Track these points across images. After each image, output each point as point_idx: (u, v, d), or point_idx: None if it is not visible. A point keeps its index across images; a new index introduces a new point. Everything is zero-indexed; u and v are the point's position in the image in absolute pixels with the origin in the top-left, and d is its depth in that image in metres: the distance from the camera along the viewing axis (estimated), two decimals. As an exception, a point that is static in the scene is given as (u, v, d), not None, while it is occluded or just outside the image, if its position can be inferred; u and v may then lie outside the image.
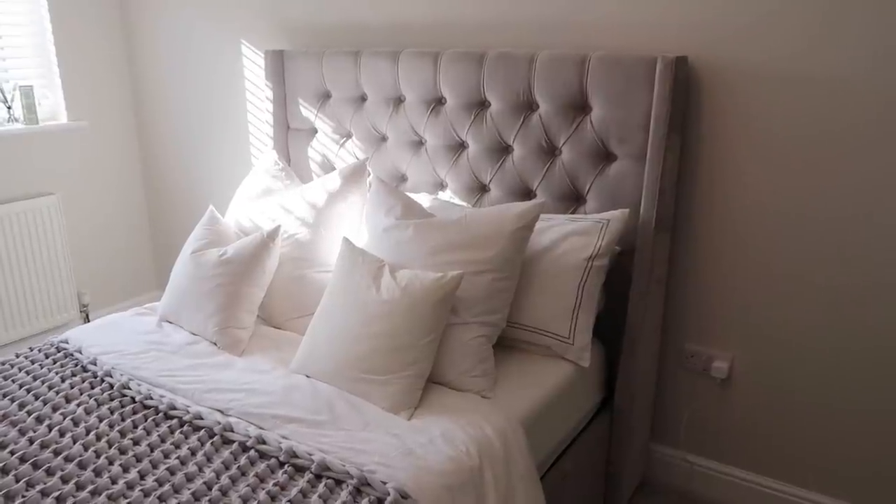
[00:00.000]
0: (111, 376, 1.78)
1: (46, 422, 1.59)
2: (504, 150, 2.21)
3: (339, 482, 1.38)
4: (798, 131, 1.88)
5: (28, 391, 1.72)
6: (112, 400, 1.69)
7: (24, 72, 2.98)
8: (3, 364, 1.87)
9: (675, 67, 1.84)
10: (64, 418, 1.60)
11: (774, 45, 1.86)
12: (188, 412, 1.61)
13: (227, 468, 1.42)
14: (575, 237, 1.92)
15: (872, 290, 1.88)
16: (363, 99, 2.47)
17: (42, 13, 2.98)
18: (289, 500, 1.31)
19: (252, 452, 1.47)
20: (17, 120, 2.95)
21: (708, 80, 1.97)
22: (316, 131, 2.64)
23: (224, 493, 1.34)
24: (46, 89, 3.07)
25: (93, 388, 1.75)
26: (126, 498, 1.33)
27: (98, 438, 1.53)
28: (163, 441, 1.53)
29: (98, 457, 1.46)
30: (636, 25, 2.03)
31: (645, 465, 2.36)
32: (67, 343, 1.98)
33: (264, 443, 1.49)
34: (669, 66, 1.84)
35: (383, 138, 2.47)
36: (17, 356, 1.92)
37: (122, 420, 1.61)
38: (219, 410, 1.64)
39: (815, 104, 1.84)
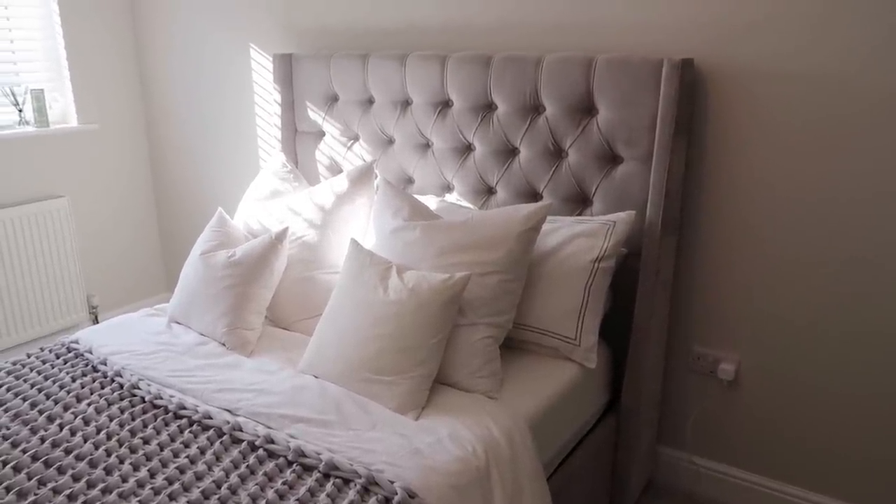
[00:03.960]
0: (121, 376, 1.80)
1: (58, 421, 1.60)
2: (511, 152, 2.22)
3: (346, 481, 1.39)
4: (806, 132, 1.88)
5: (39, 391, 1.74)
6: (122, 399, 1.71)
7: (35, 75, 3.01)
8: (15, 364, 1.89)
9: (681, 69, 1.84)
10: (75, 417, 1.62)
11: (779, 45, 1.86)
12: (197, 412, 1.63)
13: (236, 467, 1.44)
14: (581, 239, 1.93)
15: (881, 292, 1.88)
16: (371, 102, 2.49)
17: (53, 18, 3.02)
18: (297, 499, 1.32)
19: (261, 451, 1.48)
20: (28, 123, 2.98)
21: (714, 81, 1.98)
22: (324, 134, 2.65)
23: (233, 491, 1.36)
24: (57, 93, 3.10)
25: (103, 387, 1.77)
26: (136, 496, 1.34)
27: (109, 437, 1.54)
28: (172, 440, 1.54)
29: (109, 455, 1.48)
30: (642, 27, 2.03)
31: (651, 467, 2.36)
32: (78, 343, 2.00)
33: (273, 442, 1.50)
34: (675, 67, 1.85)
35: (390, 141, 2.49)
36: (29, 356, 1.94)
37: (133, 419, 1.62)
38: (227, 410, 1.65)
39: (823, 103, 1.85)
